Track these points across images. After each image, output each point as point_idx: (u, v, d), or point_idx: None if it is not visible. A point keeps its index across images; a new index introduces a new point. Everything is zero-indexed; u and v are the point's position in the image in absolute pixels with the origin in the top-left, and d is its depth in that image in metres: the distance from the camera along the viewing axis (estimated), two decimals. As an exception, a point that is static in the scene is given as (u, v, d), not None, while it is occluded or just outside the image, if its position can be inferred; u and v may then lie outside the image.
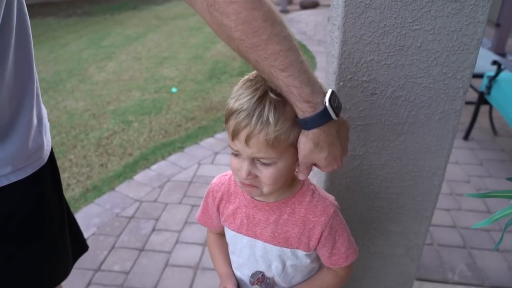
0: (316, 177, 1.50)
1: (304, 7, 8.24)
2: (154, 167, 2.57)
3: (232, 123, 0.68)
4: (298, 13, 7.81)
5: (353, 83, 1.04)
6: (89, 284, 1.70)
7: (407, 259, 1.29)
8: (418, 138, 1.09)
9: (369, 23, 0.97)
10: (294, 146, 0.69)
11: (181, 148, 2.78)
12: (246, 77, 0.72)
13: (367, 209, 1.21)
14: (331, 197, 0.84)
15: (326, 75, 1.26)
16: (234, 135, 0.68)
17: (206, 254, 1.84)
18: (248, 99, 0.66)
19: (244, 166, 0.71)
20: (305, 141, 0.67)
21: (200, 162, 2.61)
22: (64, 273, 1.04)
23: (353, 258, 0.84)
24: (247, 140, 0.66)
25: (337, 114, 0.65)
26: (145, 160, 2.65)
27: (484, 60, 2.85)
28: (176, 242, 1.93)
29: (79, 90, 3.95)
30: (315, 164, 0.73)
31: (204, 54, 5.04)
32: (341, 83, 1.04)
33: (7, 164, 0.79)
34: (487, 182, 2.39)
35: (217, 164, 2.58)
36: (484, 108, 2.89)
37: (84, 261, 1.80)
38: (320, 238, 0.80)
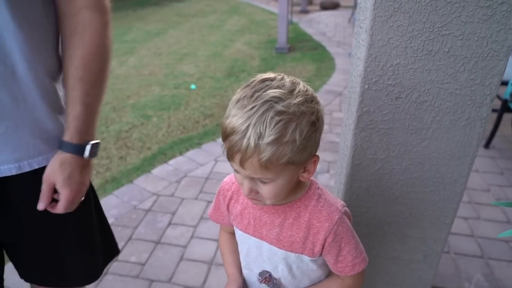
0: (334, 179, 1.50)
1: (324, 7, 8.20)
2: (171, 162, 2.61)
3: (226, 145, 0.67)
4: (318, 13, 7.78)
5: (378, 86, 1.04)
6: (105, 273, 1.74)
7: (424, 265, 1.28)
8: (442, 144, 1.08)
9: (397, 27, 0.96)
10: (291, 163, 0.67)
11: (199, 145, 2.81)
12: (238, 94, 0.68)
13: (386, 213, 1.20)
14: (339, 203, 0.81)
15: (349, 77, 1.26)
16: (229, 157, 0.68)
17: (220, 250, 1.87)
18: (240, 123, 0.64)
19: (245, 184, 0.72)
20: (54, 161, 0.81)
21: (217, 159, 2.63)
22: (89, 270, 1.04)
23: (360, 267, 0.82)
24: (241, 163, 0.66)
25: (91, 156, 0.83)
26: (163, 155, 2.68)
27: (509, 67, 2.79)
28: (192, 236, 1.95)
29: (100, 83, 4.03)
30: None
31: (223, 52, 5.07)
32: (366, 86, 1.04)
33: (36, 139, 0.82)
34: (507, 191, 2.35)
35: (234, 162, 2.60)
36: (506, 116, 2.83)
37: (101, 250, 1.84)
38: (324, 244, 0.79)
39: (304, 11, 7.85)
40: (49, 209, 0.84)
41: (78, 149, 0.81)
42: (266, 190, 0.71)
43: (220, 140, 2.71)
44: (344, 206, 0.81)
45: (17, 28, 0.72)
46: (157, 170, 2.51)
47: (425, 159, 1.11)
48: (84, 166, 0.84)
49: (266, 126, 0.63)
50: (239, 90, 0.69)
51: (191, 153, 2.71)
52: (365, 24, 1.03)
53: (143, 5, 8.49)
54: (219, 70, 4.40)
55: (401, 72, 1.01)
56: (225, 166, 2.56)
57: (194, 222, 2.05)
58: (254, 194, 0.73)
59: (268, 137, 0.62)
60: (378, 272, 1.32)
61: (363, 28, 1.05)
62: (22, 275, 1.00)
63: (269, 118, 0.63)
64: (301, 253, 0.82)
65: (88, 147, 0.82)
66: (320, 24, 6.79)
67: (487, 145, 2.83)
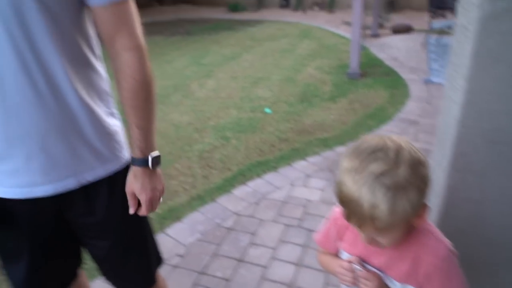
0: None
1: (396, 31, 8.06)
2: (250, 183, 2.77)
3: (344, 208, 0.78)
4: (389, 37, 7.67)
5: (475, 130, 1.08)
6: (194, 284, 1.91)
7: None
8: (543, 190, 1.08)
9: (497, 75, 1.01)
10: (405, 220, 0.75)
11: (275, 168, 2.95)
12: (348, 163, 0.76)
13: (479, 256, 1.21)
14: (446, 241, 0.87)
15: (442, 117, 1.30)
16: (347, 220, 0.79)
17: (300, 274, 1.95)
18: (353, 195, 0.73)
19: (364, 238, 0.82)
20: (130, 175, 1.03)
21: (293, 183, 2.74)
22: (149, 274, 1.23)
23: None
24: (359, 226, 0.77)
25: (153, 166, 1.01)
26: (242, 176, 2.86)
27: None
28: (272, 258, 2.07)
29: (183, 104, 4.38)
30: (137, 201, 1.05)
31: (295, 76, 5.23)
32: (463, 130, 1.09)
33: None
34: None
35: (309, 187, 2.69)
36: None
37: (190, 263, 2.03)
38: (426, 277, 0.85)
39: (375, 35, 7.79)
40: (138, 212, 1.07)
41: (143, 162, 1.00)
42: (384, 241, 0.81)
43: (295, 164, 2.82)
44: (452, 245, 0.87)
45: (63, 59, 0.90)
46: (237, 191, 2.69)
47: (523, 203, 1.11)
48: (152, 174, 1.03)
49: (377, 199, 0.71)
50: (346, 157, 0.78)
51: (268, 176, 2.85)
52: (462, 70, 1.09)
53: (217, 29, 9.03)
54: (292, 94, 4.56)
55: (500, 118, 1.05)
56: (301, 191, 2.66)
57: (273, 244, 2.16)
58: (373, 243, 0.83)
59: (381, 211, 0.71)
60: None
61: (460, 74, 1.10)
62: (103, 274, 1.22)
63: (378, 192, 0.71)
64: (406, 283, 0.88)
65: (150, 159, 1.00)
66: (392, 49, 6.69)
67: None
